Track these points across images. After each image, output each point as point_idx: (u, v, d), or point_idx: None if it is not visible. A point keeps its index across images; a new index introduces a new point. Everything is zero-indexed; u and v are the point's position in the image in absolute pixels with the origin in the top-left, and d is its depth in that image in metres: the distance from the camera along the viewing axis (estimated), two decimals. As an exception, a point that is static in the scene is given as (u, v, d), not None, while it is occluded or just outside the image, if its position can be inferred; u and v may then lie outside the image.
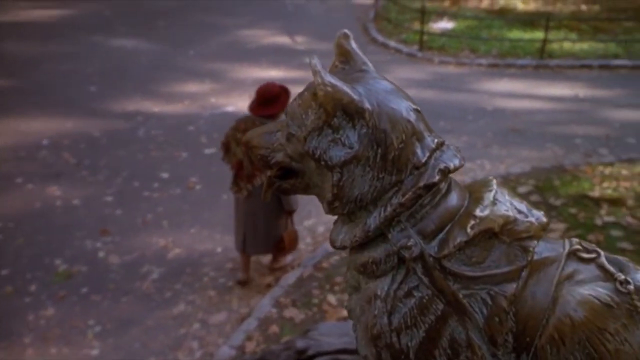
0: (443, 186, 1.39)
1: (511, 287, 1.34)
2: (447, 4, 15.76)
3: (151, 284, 5.35)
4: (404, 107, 1.37)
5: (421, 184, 1.35)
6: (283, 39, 13.32)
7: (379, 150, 1.35)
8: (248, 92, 8.74)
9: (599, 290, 1.32)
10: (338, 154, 1.37)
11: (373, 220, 1.40)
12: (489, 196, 1.39)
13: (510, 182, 6.72)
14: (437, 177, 1.35)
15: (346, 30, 1.45)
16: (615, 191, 6.43)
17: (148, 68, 11.25)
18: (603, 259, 1.35)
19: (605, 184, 6.61)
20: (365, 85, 1.37)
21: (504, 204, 1.38)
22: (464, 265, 1.36)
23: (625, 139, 8.10)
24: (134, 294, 5.24)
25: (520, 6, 15.66)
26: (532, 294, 1.35)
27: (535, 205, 6.25)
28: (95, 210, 6.49)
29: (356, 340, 1.66)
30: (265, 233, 5.00)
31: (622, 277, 1.31)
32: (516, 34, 12.96)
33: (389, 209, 1.37)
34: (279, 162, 1.54)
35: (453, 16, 14.24)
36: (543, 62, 11.51)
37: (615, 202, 6.16)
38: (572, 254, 1.38)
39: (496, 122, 8.80)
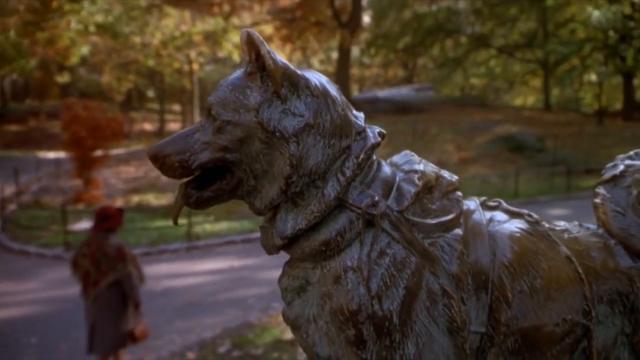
0: (375, 157, 1.51)
1: (459, 231, 1.51)
2: (81, 206, 15.63)
3: None
4: (328, 81, 1.50)
5: (369, 144, 1.46)
6: None
7: (327, 117, 1.42)
8: None
9: (518, 225, 1.63)
10: (291, 123, 1.40)
11: (332, 189, 1.42)
12: (416, 159, 1.58)
13: (208, 346, 6.74)
14: (379, 139, 1.47)
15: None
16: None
17: None
18: (505, 205, 1.66)
19: (293, 328, 7.14)
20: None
21: (428, 165, 1.57)
22: (420, 216, 1.48)
23: (288, 292, 8.97)
24: None
25: (155, 201, 16.50)
26: (473, 236, 1.54)
27: (239, 358, 6.50)
28: None
29: (309, 347, 1.54)
30: (113, 332, 5.13)
31: (526, 211, 1.63)
32: (160, 223, 13.51)
33: (347, 172, 1.43)
34: (206, 161, 1.45)
35: (92, 216, 14.12)
36: (193, 244, 12.20)
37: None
38: (483, 204, 1.64)
39: (171, 300, 8.81)
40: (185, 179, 1.54)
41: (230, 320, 7.77)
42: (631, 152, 1.92)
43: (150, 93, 44.13)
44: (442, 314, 1.48)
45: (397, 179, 1.54)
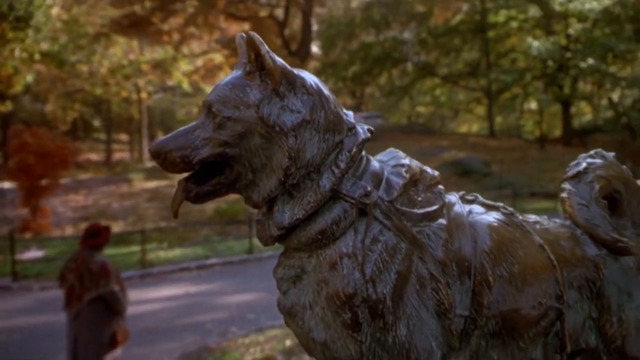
0: (364, 153, 1.63)
1: (443, 221, 1.63)
2: (28, 235, 15.20)
3: None
4: (321, 81, 1.61)
5: (360, 139, 1.57)
6: None
7: (322, 114, 1.53)
8: None
9: (495, 216, 1.78)
10: (290, 118, 1.50)
11: (327, 180, 1.53)
12: (401, 154, 1.70)
13: (168, 371, 6.64)
14: (368, 134, 1.58)
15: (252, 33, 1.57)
16: (262, 352, 7.00)
17: None
18: (481, 199, 1.79)
19: (252, 350, 7.15)
20: None
21: (412, 160, 1.69)
22: (407, 207, 1.59)
23: (245, 316, 8.92)
24: None
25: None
26: (456, 226, 1.66)
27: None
28: None
29: (304, 333, 1.60)
30: (96, 348, 5.11)
31: (501, 204, 1.76)
32: (112, 251, 13.23)
33: (341, 165, 1.54)
34: (207, 156, 1.53)
35: (42, 245, 13.80)
36: (147, 271, 12.03)
37: (267, 359, 6.79)
38: (462, 198, 1.77)
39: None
40: (185, 175, 1.62)
41: (188, 345, 7.68)
42: (592, 152, 2.09)
43: (97, 122, 43.34)
44: (430, 297, 1.58)
45: (386, 173, 1.65)
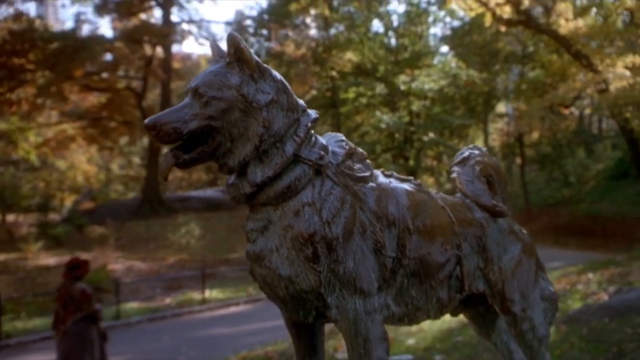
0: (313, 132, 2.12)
1: (374, 184, 2.15)
2: None
3: None
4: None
5: (312, 118, 2.06)
6: None
7: (284, 97, 2.02)
8: None
9: (409, 185, 2.35)
10: (263, 97, 1.98)
11: (290, 147, 2.00)
12: (340, 135, 2.22)
13: None
14: (317, 116, 2.07)
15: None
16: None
17: None
18: (396, 175, 2.30)
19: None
20: None
21: (348, 142, 2.19)
22: (350, 170, 2.09)
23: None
24: None
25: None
26: (381, 189, 2.18)
27: None
28: None
29: (270, 273, 1.99)
30: (84, 354, 5.99)
31: (412, 178, 2.31)
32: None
33: (300, 134, 2.02)
34: (195, 128, 1.95)
35: None
36: (4, 342, 11.30)
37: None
38: (382, 173, 2.29)
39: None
40: (173, 145, 2.02)
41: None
42: (471, 145, 2.75)
43: None
44: (369, 238, 2.09)
45: (331, 146, 2.17)
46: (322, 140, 2.17)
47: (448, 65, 30.46)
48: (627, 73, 24.12)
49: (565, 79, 27.30)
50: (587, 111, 39.18)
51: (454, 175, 2.64)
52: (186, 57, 38.76)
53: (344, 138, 2.24)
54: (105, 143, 30.35)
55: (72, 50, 24.64)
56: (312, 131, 2.15)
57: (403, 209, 2.22)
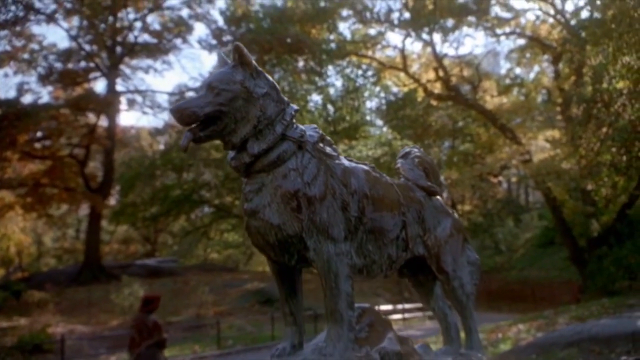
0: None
1: (340, 162, 2.88)
2: None
3: None
4: None
5: (295, 108, 2.81)
6: None
7: (274, 92, 2.76)
8: None
9: (367, 166, 3.08)
10: (260, 90, 2.73)
11: (279, 128, 2.74)
12: (315, 126, 2.96)
13: None
14: (297, 108, 2.80)
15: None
16: None
17: None
18: (355, 160, 3.04)
19: None
20: None
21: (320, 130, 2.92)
22: (323, 149, 2.81)
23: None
24: None
25: None
26: (347, 167, 2.91)
27: None
28: None
29: (263, 224, 2.63)
30: None
31: (367, 162, 3.04)
32: None
33: (287, 119, 2.74)
34: (209, 111, 2.64)
35: None
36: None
37: None
38: (345, 157, 3.01)
39: None
40: (192, 125, 2.70)
41: None
42: (411, 145, 3.55)
43: None
44: (338, 198, 2.81)
45: (308, 131, 2.91)
46: (302, 127, 2.91)
47: (384, 136, 31.99)
48: (548, 145, 26.29)
49: (493, 150, 29.26)
50: (514, 180, 41.47)
51: (398, 165, 3.44)
52: (129, 128, 39.05)
53: (317, 127, 2.98)
54: (43, 211, 29.74)
55: (14, 117, 24.65)
56: (294, 120, 2.89)
57: (362, 182, 2.95)
